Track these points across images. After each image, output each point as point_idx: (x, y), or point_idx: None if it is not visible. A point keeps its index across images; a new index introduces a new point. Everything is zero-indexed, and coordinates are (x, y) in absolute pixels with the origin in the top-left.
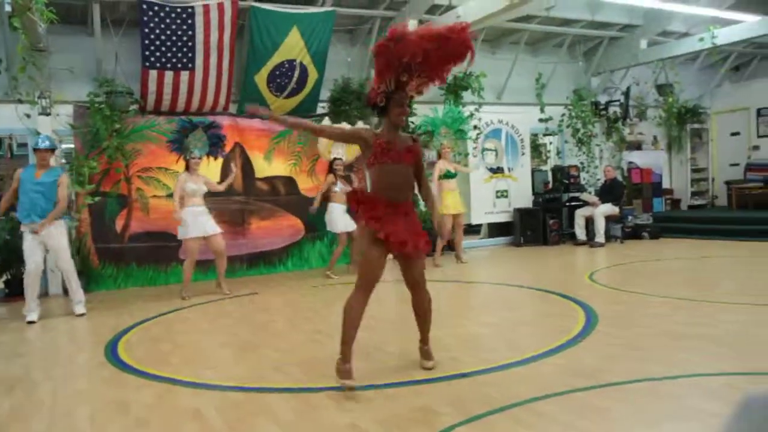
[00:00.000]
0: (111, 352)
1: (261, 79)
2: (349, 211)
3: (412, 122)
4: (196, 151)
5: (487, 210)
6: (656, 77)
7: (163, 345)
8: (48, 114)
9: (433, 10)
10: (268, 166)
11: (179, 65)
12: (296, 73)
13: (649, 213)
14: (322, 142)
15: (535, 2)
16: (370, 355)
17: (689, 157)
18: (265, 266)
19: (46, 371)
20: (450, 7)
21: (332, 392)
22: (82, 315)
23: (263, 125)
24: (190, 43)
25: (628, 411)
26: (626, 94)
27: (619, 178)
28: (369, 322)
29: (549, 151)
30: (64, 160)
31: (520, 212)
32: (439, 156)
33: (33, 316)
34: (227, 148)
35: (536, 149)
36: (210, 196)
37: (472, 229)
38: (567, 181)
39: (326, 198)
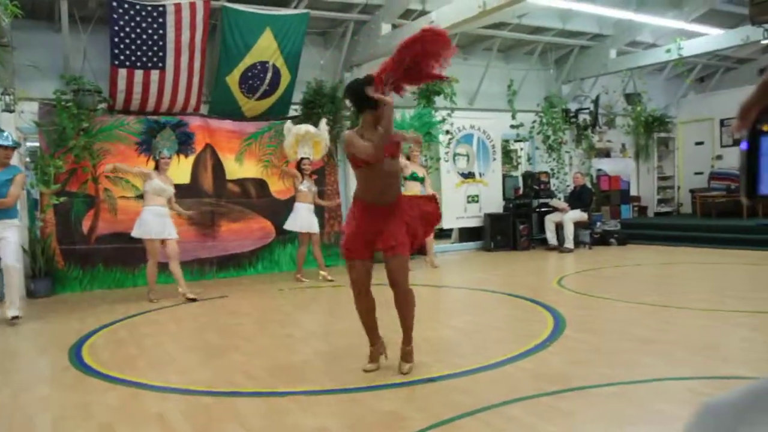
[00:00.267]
0: (75, 355)
1: (233, 80)
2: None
3: None
4: (165, 150)
5: (458, 215)
6: (625, 86)
7: (130, 348)
8: (12, 111)
9: (407, 14)
10: (239, 168)
11: (149, 64)
12: (269, 75)
13: (616, 219)
14: (286, 145)
15: (508, 9)
16: (341, 360)
17: (656, 166)
18: (235, 269)
19: (4, 376)
20: (423, 12)
21: (301, 396)
22: (15, 318)
23: (234, 127)
24: (161, 42)
25: (594, 415)
26: (596, 102)
27: (588, 184)
28: (342, 326)
29: (520, 157)
30: (28, 159)
31: (491, 217)
32: (408, 158)
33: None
34: (197, 148)
35: (507, 155)
36: (180, 197)
37: (442, 234)
38: (537, 187)
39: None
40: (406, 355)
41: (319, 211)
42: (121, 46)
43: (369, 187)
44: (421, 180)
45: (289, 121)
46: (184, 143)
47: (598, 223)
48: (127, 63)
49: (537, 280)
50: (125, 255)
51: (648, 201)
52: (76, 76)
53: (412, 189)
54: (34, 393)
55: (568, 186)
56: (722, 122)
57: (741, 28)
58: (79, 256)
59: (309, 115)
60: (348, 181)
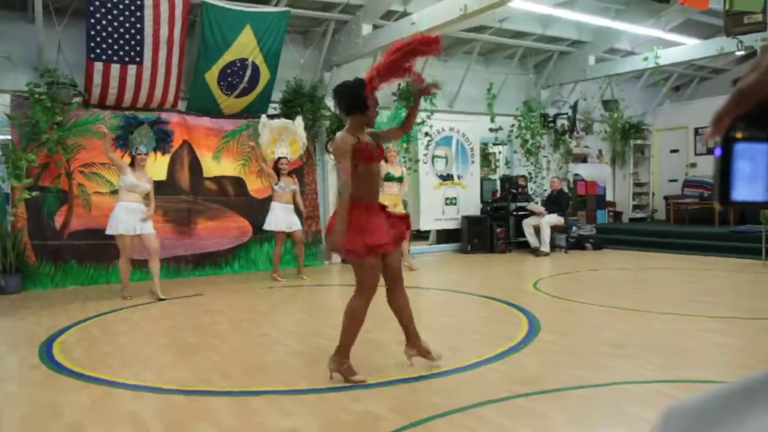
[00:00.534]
0: (46, 353)
1: (212, 77)
2: (297, 211)
3: None
4: (142, 147)
5: (436, 216)
6: (602, 93)
7: (102, 346)
8: None
9: (388, 16)
10: (217, 166)
11: (126, 59)
12: (248, 73)
13: (592, 224)
14: (263, 143)
15: (489, 13)
16: (316, 360)
17: (632, 172)
18: (211, 267)
19: None
20: (405, 13)
21: (275, 396)
22: None
23: (212, 124)
24: (138, 37)
25: (566, 416)
26: (574, 107)
27: (565, 189)
28: (318, 328)
29: (498, 161)
30: (0, 152)
31: (469, 220)
32: (386, 160)
33: None
34: (175, 145)
35: (486, 158)
36: (157, 194)
37: (420, 235)
38: (515, 191)
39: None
40: (427, 347)
41: (298, 210)
42: (98, 39)
43: (368, 186)
44: (399, 179)
45: (263, 116)
46: (162, 140)
47: (574, 228)
48: (104, 57)
49: (513, 283)
50: (99, 251)
51: (623, 207)
52: (51, 69)
53: (389, 190)
54: (2, 391)
55: (545, 190)
56: (697, 131)
57: (716, 39)
58: (51, 251)
59: (288, 114)
60: (326, 181)
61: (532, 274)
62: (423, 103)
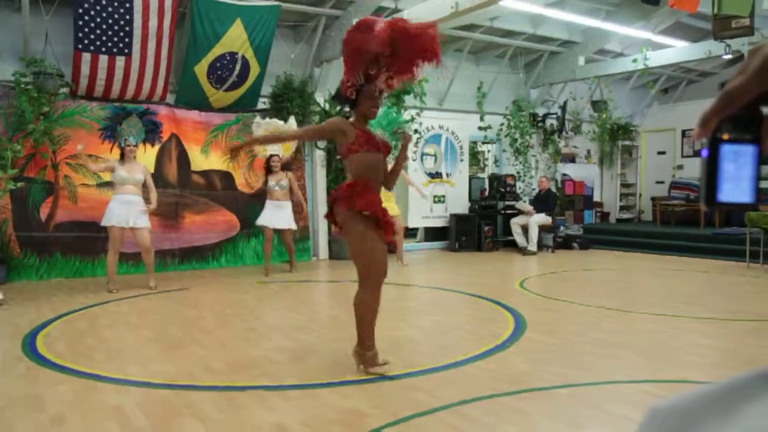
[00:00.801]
0: (29, 345)
1: (201, 70)
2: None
3: None
4: (131, 138)
5: (424, 214)
6: (592, 93)
7: (87, 339)
8: None
9: (379, 11)
10: (205, 160)
11: (115, 50)
12: (238, 67)
13: (579, 224)
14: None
15: (480, 12)
16: (302, 356)
17: (619, 173)
18: (198, 261)
19: None
20: (396, 10)
21: (260, 391)
22: None
23: (200, 117)
24: (127, 28)
25: (551, 415)
26: (563, 107)
27: (553, 189)
28: (305, 324)
29: (487, 159)
30: None
31: (457, 218)
32: None
33: None
34: (163, 137)
35: (475, 156)
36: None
37: (408, 233)
38: (503, 190)
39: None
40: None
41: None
42: (86, 29)
43: (371, 170)
44: None
45: (257, 116)
46: (152, 132)
47: (562, 227)
48: (92, 47)
49: (500, 282)
50: (85, 244)
51: (610, 207)
52: (37, 59)
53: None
54: None
55: (533, 189)
56: (684, 133)
57: (704, 43)
58: (36, 243)
59: (278, 109)
60: (315, 177)
61: (519, 273)
62: (413, 101)
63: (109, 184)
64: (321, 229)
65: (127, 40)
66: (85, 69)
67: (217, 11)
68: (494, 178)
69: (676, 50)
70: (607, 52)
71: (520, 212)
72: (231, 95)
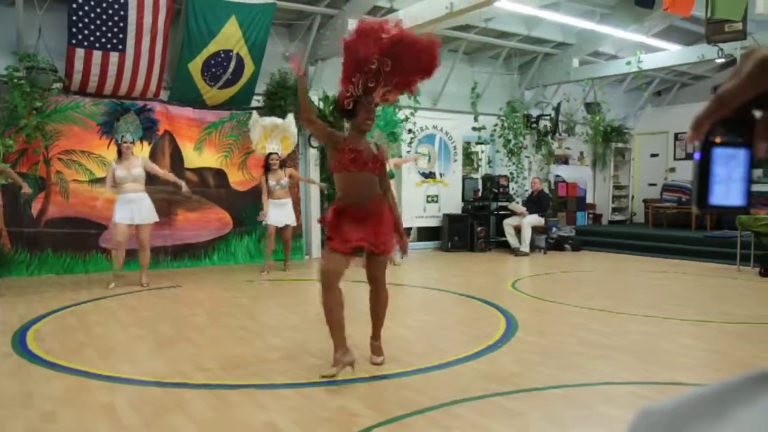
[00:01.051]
0: (19, 341)
1: (195, 67)
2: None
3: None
4: (128, 135)
5: (417, 214)
6: (585, 95)
7: (78, 336)
8: None
9: (375, 11)
10: (198, 157)
11: (109, 46)
12: (232, 64)
13: (572, 226)
14: (256, 136)
15: (475, 13)
16: (294, 355)
17: (612, 175)
18: (190, 259)
19: None
20: (391, 10)
21: (251, 390)
22: None
23: (194, 114)
24: (121, 24)
25: (541, 415)
26: (557, 109)
27: (546, 190)
28: (297, 323)
29: (480, 160)
30: None
31: (449, 218)
32: None
33: None
34: (160, 133)
35: (468, 157)
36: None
37: None
38: (496, 190)
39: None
40: (378, 350)
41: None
42: (80, 25)
43: (347, 189)
44: (391, 176)
45: (255, 113)
46: (149, 129)
47: (554, 229)
48: (86, 43)
49: (492, 282)
50: (76, 240)
51: (603, 209)
52: (30, 54)
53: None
54: None
55: (526, 190)
56: (676, 136)
57: (697, 46)
58: (27, 239)
59: (272, 107)
60: (309, 175)
61: (511, 274)
62: (408, 100)
63: (100, 181)
64: (314, 228)
65: (121, 36)
66: (78, 64)
67: (211, 8)
68: (487, 179)
69: (670, 53)
70: (601, 55)
71: (513, 213)
72: (225, 93)
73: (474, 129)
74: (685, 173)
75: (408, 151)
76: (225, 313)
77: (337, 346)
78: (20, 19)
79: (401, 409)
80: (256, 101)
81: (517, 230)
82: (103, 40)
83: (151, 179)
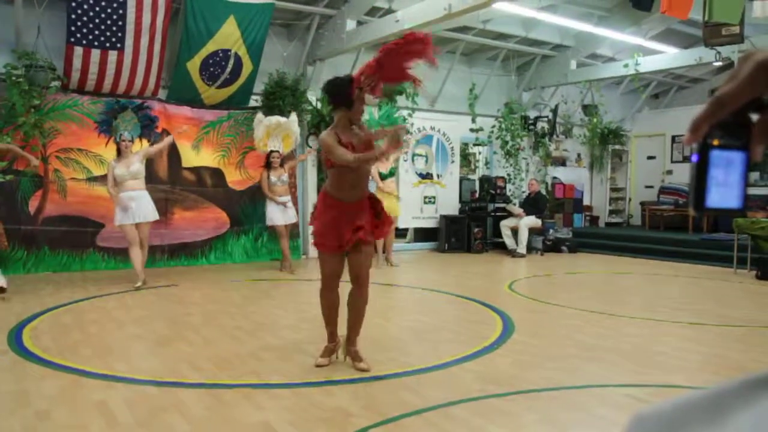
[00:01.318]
0: (15, 339)
1: (193, 66)
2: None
3: None
4: (126, 133)
5: (414, 215)
6: (583, 97)
7: (74, 334)
8: None
9: (373, 12)
10: (196, 156)
11: (107, 44)
12: (230, 64)
13: (569, 227)
14: (257, 136)
15: (473, 14)
16: (290, 354)
17: (609, 177)
18: (187, 258)
19: None
20: (390, 11)
21: (246, 389)
22: None
23: (192, 113)
24: (120, 22)
25: (537, 417)
26: (554, 111)
27: (543, 191)
28: (293, 322)
29: (478, 161)
30: None
31: (447, 219)
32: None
33: None
34: (159, 131)
35: (465, 158)
36: None
37: (398, 233)
38: (493, 192)
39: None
40: (357, 355)
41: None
42: (78, 23)
43: (341, 183)
44: (392, 174)
45: (260, 113)
46: (147, 127)
47: (551, 230)
48: (84, 41)
49: (489, 284)
50: (73, 238)
51: (600, 211)
52: (29, 52)
53: (386, 189)
54: None
55: (523, 192)
56: (674, 138)
57: (695, 49)
58: (24, 236)
59: (270, 107)
60: (306, 176)
61: (508, 276)
62: (405, 101)
63: (98, 179)
64: (311, 228)
65: (119, 34)
66: (77, 63)
67: (210, 8)
68: (485, 180)
69: (667, 56)
70: (598, 57)
71: (510, 214)
72: (223, 92)
73: (471, 130)
74: (682, 176)
75: (405, 152)
76: (221, 312)
77: (330, 339)
78: (19, 16)
79: (397, 409)
80: (254, 101)
81: (514, 232)
82: (102, 38)
83: (150, 178)
